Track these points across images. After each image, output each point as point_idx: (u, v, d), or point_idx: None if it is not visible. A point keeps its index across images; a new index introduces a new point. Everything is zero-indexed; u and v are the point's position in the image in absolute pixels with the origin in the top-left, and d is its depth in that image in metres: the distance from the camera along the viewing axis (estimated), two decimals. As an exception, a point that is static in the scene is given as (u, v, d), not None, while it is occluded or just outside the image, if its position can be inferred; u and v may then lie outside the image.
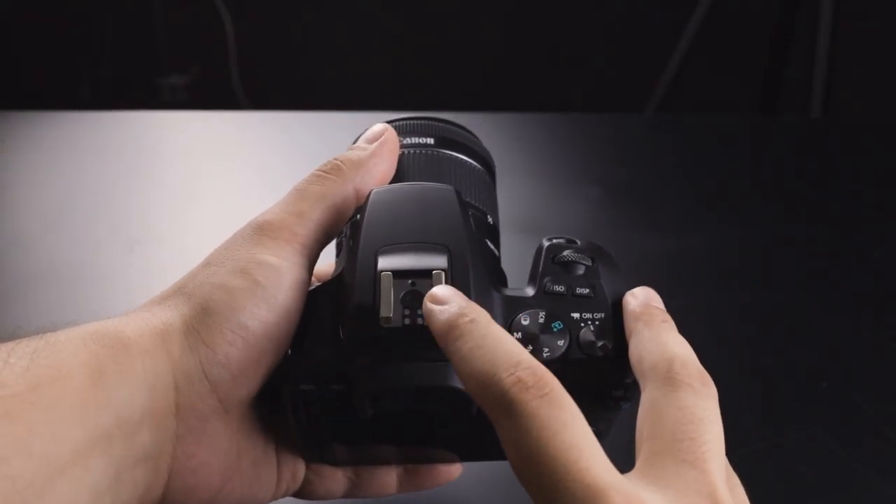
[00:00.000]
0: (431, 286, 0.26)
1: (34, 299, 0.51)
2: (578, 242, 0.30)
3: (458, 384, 0.26)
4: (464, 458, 0.33)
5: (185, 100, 1.49)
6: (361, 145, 0.33)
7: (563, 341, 0.27)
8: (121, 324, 0.26)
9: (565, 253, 0.30)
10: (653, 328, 0.27)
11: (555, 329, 0.28)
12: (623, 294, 0.29)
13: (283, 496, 0.31)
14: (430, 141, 0.35)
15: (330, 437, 0.29)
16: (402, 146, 0.35)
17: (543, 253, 0.30)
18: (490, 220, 0.34)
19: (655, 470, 0.23)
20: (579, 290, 0.29)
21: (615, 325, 0.28)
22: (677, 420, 0.24)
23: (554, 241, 0.30)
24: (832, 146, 0.69)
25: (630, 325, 0.27)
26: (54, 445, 0.22)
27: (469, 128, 0.39)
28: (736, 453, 0.39)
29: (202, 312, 0.27)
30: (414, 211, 0.29)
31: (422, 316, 0.26)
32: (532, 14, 1.50)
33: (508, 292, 0.29)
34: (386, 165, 0.33)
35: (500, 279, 0.31)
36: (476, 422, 0.28)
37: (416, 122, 0.37)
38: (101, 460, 0.23)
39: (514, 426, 0.23)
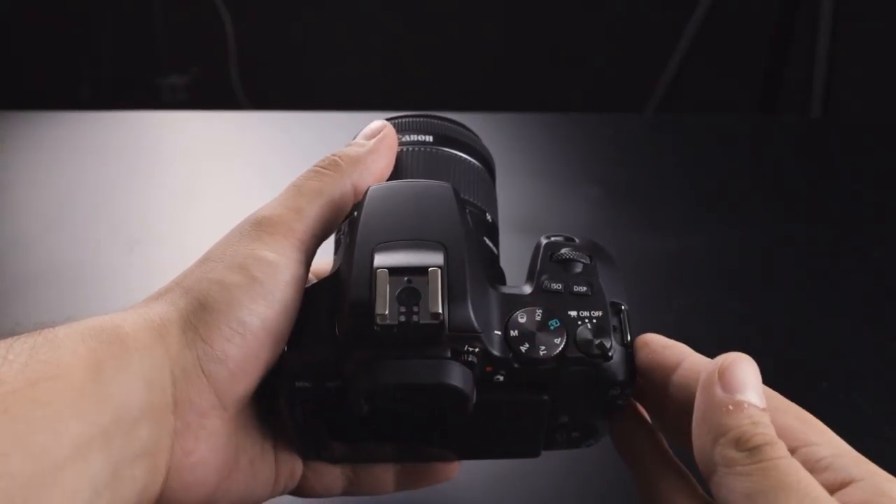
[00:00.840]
0: (427, 283, 0.26)
1: (34, 299, 0.51)
2: (577, 240, 0.30)
3: (455, 381, 0.26)
4: (462, 456, 0.33)
5: (185, 100, 1.49)
6: (360, 141, 0.33)
7: (559, 339, 0.27)
8: (118, 319, 0.26)
9: (563, 251, 0.29)
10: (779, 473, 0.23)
11: (552, 327, 0.27)
12: (621, 293, 0.29)
13: (281, 494, 0.31)
14: (429, 138, 0.35)
15: (326, 435, 0.29)
16: (401, 143, 0.35)
17: (541, 251, 0.30)
18: (489, 217, 0.34)
19: None
20: (577, 288, 0.28)
21: (612, 324, 0.28)
22: None
23: (552, 238, 0.30)
24: (832, 146, 0.69)
25: (725, 454, 0.23)
26: (53, 441, 0.22)
27: (469, 127, 0.39)
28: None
29: (200, 308, 0.27)
30: (411, 208, 0.29)
31: (417, 313, 0.26)
32: (532, 14, 1.50)
33: (505, 290, 0.29)
34: (384, 162, 0.33)
35: (497, 277, 0.31)
36: (474, 419, 0.28)
37: (414, 119, 0.37)
38: (100, 456, 0.23)
39: None
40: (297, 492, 0.32)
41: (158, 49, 1.47)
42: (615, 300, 0.29)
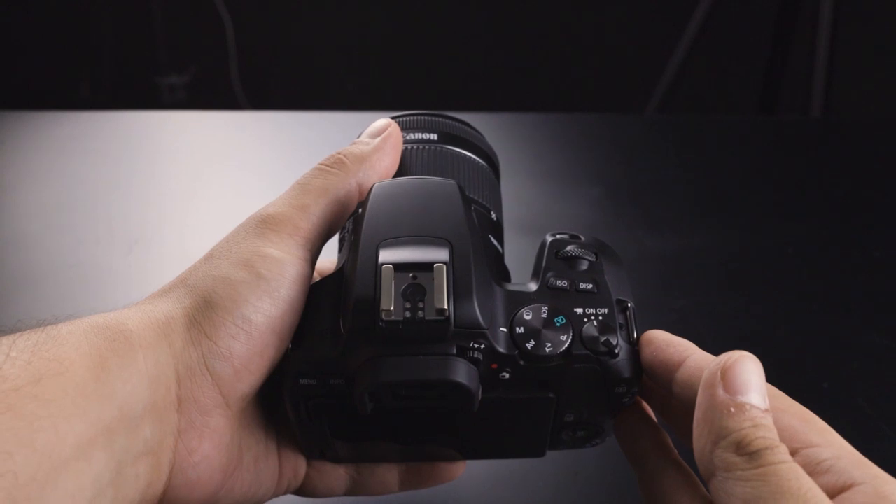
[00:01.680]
0: (433, 279, 0.26)
1: (34, 299, 0.51)
2: (582, 238, 0.30)
3: (460, 378, 0.25)
4: (467, 455, 0.33)
5: (184, 99, 1.49)
6: (364, 140, 0.33)
7: (565, 336, 0.27)
8: (122, 316, 0.26)
9: (569, 248, 0.29)
10: (775, 478, 0.22)
11: (557, 324, 0.27)
12: (627, 290, 0.29)
13: (285, 493, 0.31)
14: (434, 136, 0.35)
15: (330, 433, 0.29)
16: (406, 142, 0.35)
17: (547, 248, 0.30)
18: (493, 216, 0.34)
19: None
20: (583, 286, 0.28)
21: (618, 321, 0.28)
22: None
23: (557, 236, 0.30)
24: (832, 146, 0.69)
25: (725, 459, 0.23)
26: (57, 439, 0.22)
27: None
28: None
29: (205, 305, 0.27)
30: (416, 205, 0.29)
31: (423, 309, 0.25)
32: (532, 14, 1.50)
33: (511, 287, 0.28)
34: (389, 160, 0.32)
35: (503, 275, 0.31)
36: (479, 418, 0.28)
37: (419, 117, 0.36)
38: (104, 454, 0.23)
39: None
40: (301, 491, 0.32)
41: (158, 49, 1.47)
42: (621, 298, 0.28)
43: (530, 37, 1.52)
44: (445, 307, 0.25)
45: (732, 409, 0.23)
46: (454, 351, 0.26)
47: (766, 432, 0.23)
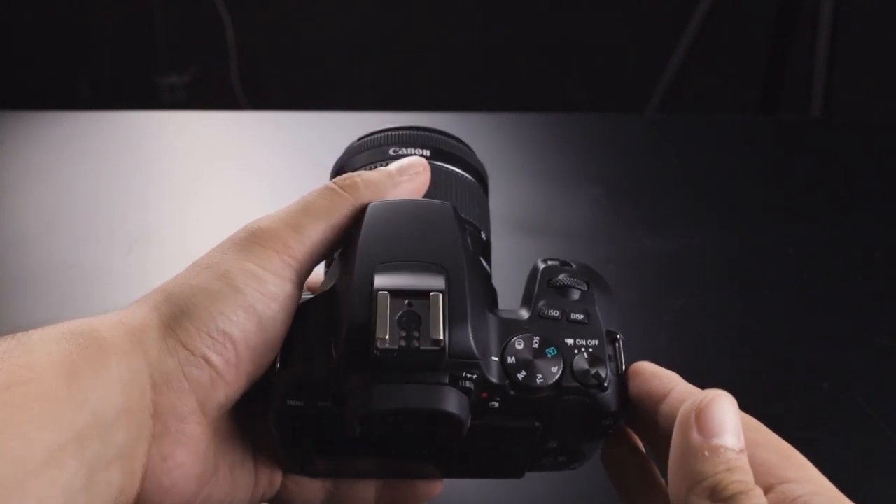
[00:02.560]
0: (429, 307, 0.26)
1: (34, 299, 0.51)
2: (573, 266, 0.30)
3: (451, 408, 0.26)
4: (446, 475, 0.33)
5: (184, 99, 1.49)
6: (389, 170, 0.32)
7: (556, 368, 0.27)
8: (96, 323, 0.26)
9: (561, 277, 0.29)
10: None
11: (549, 355, 0.27)
12: (617, 321, 0.29)
13: (259, 502, 0.31)
14: (427, 153, 0.35)
15: (312, 452, 0.29)
16: (400, 157, 0.34)
17: (539, 276, 0.30)
18: (483, 235, 0.34)
19: None
20: (574, 316, 0.28)
21: (608, 353, 0.28)
22: None
23: (549, 263, 0.30)
24: (832, 146, 0.69)
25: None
26: (27, 446, 0.22)
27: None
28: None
29: (181, 314, 0.27)
30: (412, 228, 0.28)
31: (418, 339, 0.25)
32: (532, 14, 1.50)
33: (503, 314, 0.28)
34: (405, 196, 0.31)
35: (491, 297, 0.31)
36: (463, 442, 0.28)
37: (412, 133, 0.36)
38: (75, 461, 0.23)
39: None
40: (276, 501, 0.32)
41: (157, 49, 1.47)
42: (611, 329, 0.29)
43: (530, 37, 1.52)
44: (441, 338, 0.25)
45: (706, 453, 0.23)
46: (447, 380, 0.26)
47: (740, 475, 0.23)
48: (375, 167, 0.32)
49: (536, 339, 0.27)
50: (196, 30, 1.49)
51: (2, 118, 0.71)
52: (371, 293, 0.26)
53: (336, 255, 0.31)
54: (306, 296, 0.29)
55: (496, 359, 0.27)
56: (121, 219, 0.59)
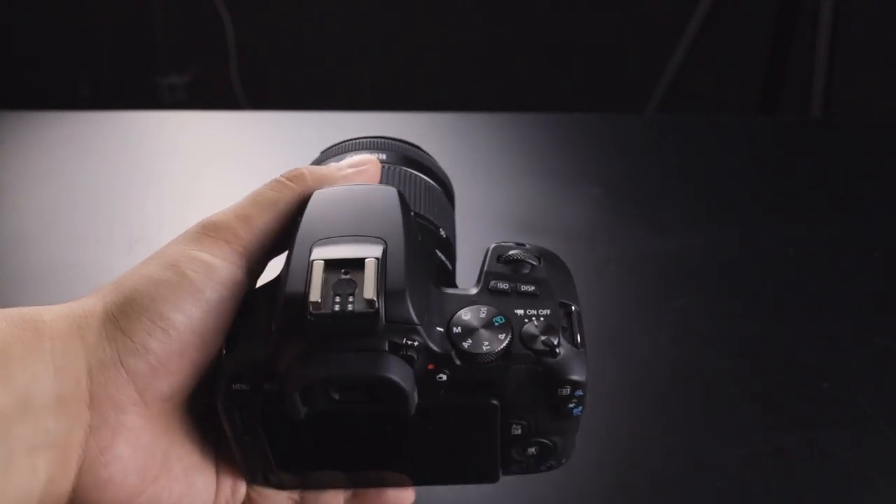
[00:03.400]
0: (364, 275, 0.25)
1: (34, 299, 0.51)
2: (527, 245, 0.30)
3: (392, 374, 0.25)
4: (416, 481, 0.32)
5: (184, 99, 1.49)
6: (338, 164, 0.32)
7: (504, 335, 0.26)
8: (40, 309, 0.26)
9: (512, 252, 0.29)
10: None
11: (496, 323, 0.27)
12: (572, 295, 0.28)
13: None
14: (384, 157, 0.35)
15: (268, 454, 0.28)
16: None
17: (489, 253, 0.29)
18: (443, 233, 0.34)
19: None
20: (524, 288, 0.28)
21: (561, 323, 0.27)
22: None
23: (502, 243, 0.30)
24: (832, 146, 0.70)
25: None
26: None
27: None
28: (737, 454, 0.39)
29: (125, 302, 0.26)
30: (355, 208, 0.28)
31: (353, 303, 0.25)
32: (532, 14, 1.50)
33: (451, 291, 0.28)
34: None
35: (447, 285, 0.30)
36: (421, 431, 0.27)
37: (374, 140, 0.37)
38: None
39: None
40: None
41: (157, 49, 1.47)
42: (565, 301, 0.28)
43: (530, 37, 1.52)
44: (374, 298, 0.25)
45: None
46: (386, 347, 0.25)
47: None
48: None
49: (484, 309, 0.27)
50: (196, 30, 1.49)
51: (2, 118, 0.71)
52: (308, 265, 0.26)
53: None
54: None
55: (441, 329, 0.26)
56: (121, 219, 0.59)
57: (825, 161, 0.67)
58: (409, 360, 0.25)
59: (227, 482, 0.30)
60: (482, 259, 0.29)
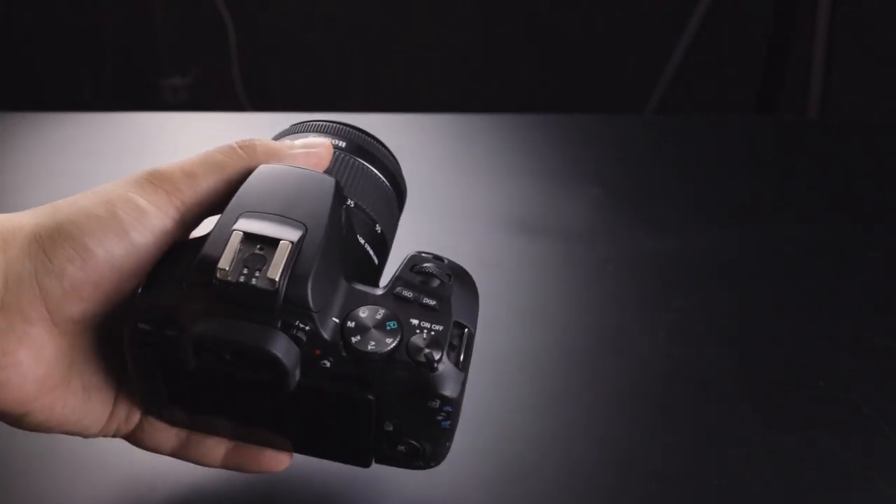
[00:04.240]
0: (274, 256, 0.27)
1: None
2: (445, 261, 0.31)
3: (277, 350, 0.26)
4: (297, 448, 0.33)
5: (187, 101, 1.49)
6: (291, 142, 0.34)
7: (392, 340, 0.28)
8: None
9: (426, 264, 0.30)
10: None
11: (388, 327, 0.28)
12: (471, 318, 0.29)
13: (112, 436, 0.33)
14: (342, 144, 0.36)
15: (164, 392, 0.30)
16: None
17: (406, 260, 0.30)
18: (378, 228, 0.35)
19: None
20: (426, 301, 0.29)
21: (451, 341, 0.28)
22: None
23: (422, 253, 0.31)
24: (830, 147, 0.70)
25: None
26: None
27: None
28: (735, 452, 0.39)
29: (54, 227, 0.29)
30: (288, 189, 0.30)
31: (257, 278, 0.27)
32: (532, 14, 1.50)
33: (358, 286, 0.29)
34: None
35: (366, 280, 0.31)
36: (301, 406, 0.29)
37: (336, 125, 0.37)
38: None
39: None
40: (129, 438, 0.33)
41: (160, 50, 1.47)
42: (461, 321, 0.29)
43: (530, 37, 1.52)
44: (277, 280, 0.26)
45: None
46: (279, 325, 0.27)
47: None
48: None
49: (382, 311, 0.28)
50: (198, 31, 1.49)
51: (4, 119, 0.72)
52: (228, 233, 0.27)
53: None
54: None
55: (336, 320, 0.28)
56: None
57: (823, 161, 0.67)
58: (297, 341, 0.27)
59: (123, 408, 0.32)
60: (399, 263, 0.31)
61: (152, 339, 0.28)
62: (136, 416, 0.33)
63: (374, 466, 0.33)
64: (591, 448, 0.40)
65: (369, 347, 0.28)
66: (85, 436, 0.32)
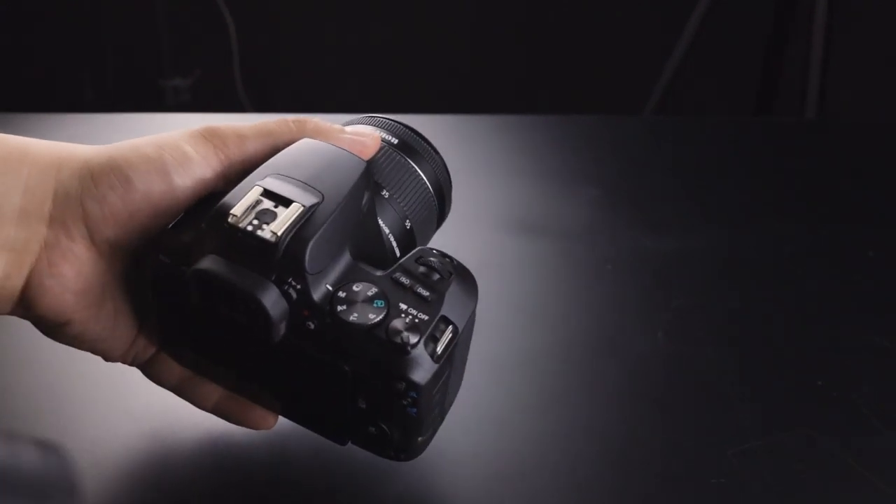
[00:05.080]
0: (284, 214, 0.29)
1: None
2: (452, 260, 0.31)
3: (266, 300, 0.28)
4: (283, 412, 0.34)
5: (188, 102, 1.49)
6: (341, 127, 0.35)
7: (374, 316, 0.29)
8: (32, 141, 0.32)
9: (431, 258, 0.31)
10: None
11: (375, 305, 0.29)
12: (463, 318, 0.30)
13: (130, 363, 0.35)
14: (395, 141, 0.37)
15: (176, 329, 0.32)
16: None
17: (413, 252, 0.31)
18: (407, 224, 0.35)
19: None
20: (420, 290, 0.30)
21: (433, 332, 0.29)
22: None
23: (432, 248, 0.32)
24: (827, 147, 0.70)
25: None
26: None
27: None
28: (733, 451, 0.39)
29: (105, 158, 0.31)
30: (320, 162, 0.31)
31: (263, 230, 0.28)
32: (530, 16, 1.50)
33: (362, 265, 0.30)
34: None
35: (376, 264, 0.32)
36: (284, 363, 0.30)
37: (396, 125, 0.38)
38: None
39: None
40: (141, 368, 0.35)
41: (161, 51, 1.47)
42: (451, 318, 0.30)
43: (530, 39, 1.52)
44: (280, 235, 0.28)
45: None
46: (273, 278, 0.28)
47: None
48: None
49: (374, 289, 0.29)
50: (200, 33, 1.49)
51: (6, 120, 0.72)
52: (251, 186, 0.29)
53: None
54: None
55: (329, 287, 0.29)
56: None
57: (821, 162, 0.67)
58: (287, 297, 0.28)
59: (144, 339, 0.34)
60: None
61: (170, 271, 0.30)
62: (152, 351, 0.35)
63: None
64: (590, 447, 0.40)
65: (351, 318, 0.29)
66: (107, 358, 0.34)
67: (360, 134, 0.35)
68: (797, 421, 0.41)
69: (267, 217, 0.28)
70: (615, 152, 0.68)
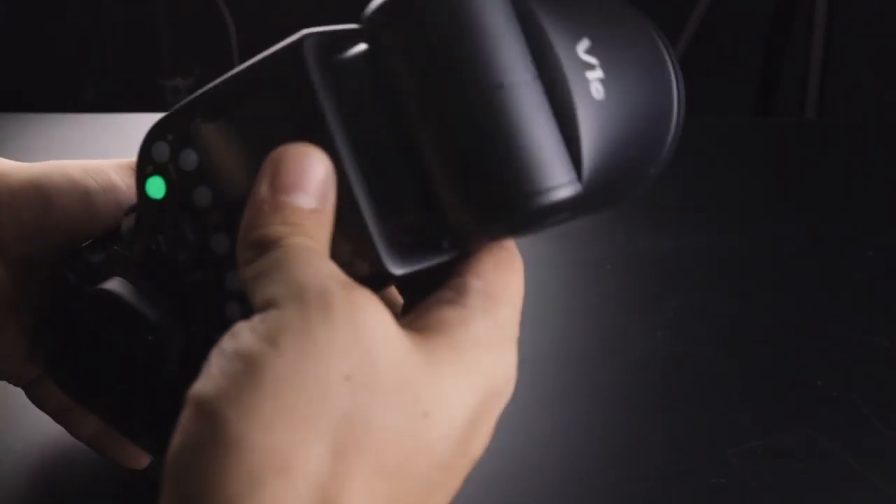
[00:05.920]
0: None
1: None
2: None
3: (164, 332, 0.27)
4: (156, 453, 0.33)
5: (187, 102, 1.49)
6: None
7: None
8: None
9: None
10: None
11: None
12: None
13: (16, 383, 0.34)
14: None
15: (65, 352, 0.31)
16: None
17: None
18: None
19: None
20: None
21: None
22: None
23: None
24: (827, 147, 0.70)
25: None
26: None
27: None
28: (733, 451, 0.39)
29: (30, 177, 0.31)
30: None
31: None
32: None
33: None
34: None
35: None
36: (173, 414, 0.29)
37: None
38: None
39: None
40: (24, 389, 0.34)
41: (162, 51, 1.47)
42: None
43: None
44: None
45: (266, 208, 0.22)
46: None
47: (297, 230, 0.22)
48: None
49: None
50: (200, 33, 1.49)
51: (6, 121, 0.72)
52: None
53: None
54: None
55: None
56: (125, 220, 0.59)
57: (820, 162, 0.67)
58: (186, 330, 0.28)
59: (36, 362, 0.33)
60: None
61: (72, 292, 0.30)
62: (38, 371, 0.34)
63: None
64: (590, 447, 0.40)
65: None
66: None
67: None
68: (797, 421, 0.41)
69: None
70: (615, 152, 0.68)
